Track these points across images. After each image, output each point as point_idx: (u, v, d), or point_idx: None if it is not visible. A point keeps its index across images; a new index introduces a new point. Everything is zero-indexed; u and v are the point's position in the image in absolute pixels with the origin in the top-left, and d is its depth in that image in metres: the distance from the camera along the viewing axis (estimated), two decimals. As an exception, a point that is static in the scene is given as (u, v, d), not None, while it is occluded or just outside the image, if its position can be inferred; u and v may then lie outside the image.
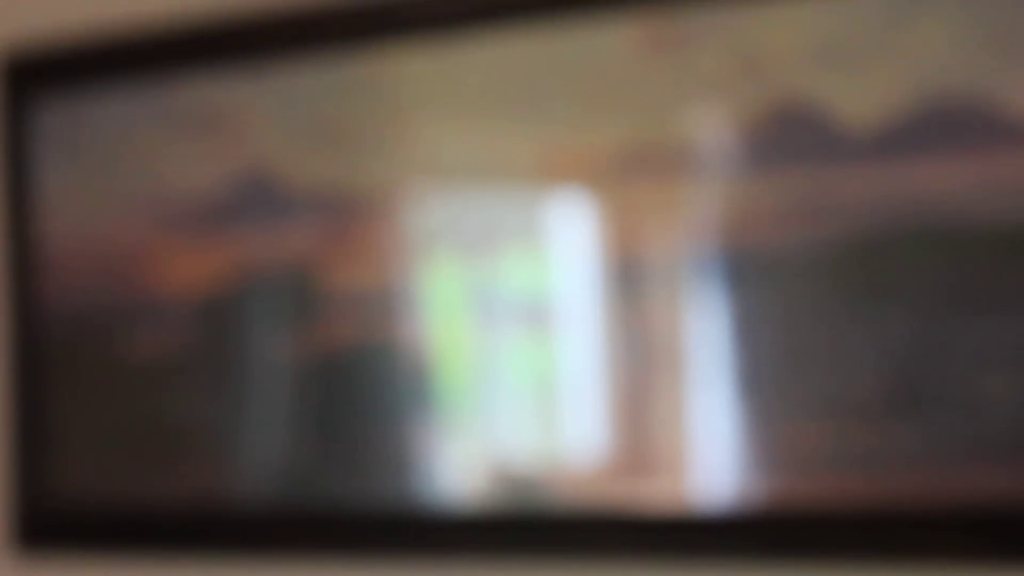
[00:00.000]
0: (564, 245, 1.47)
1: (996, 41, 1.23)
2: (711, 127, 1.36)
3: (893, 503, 1.26)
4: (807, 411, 1.30)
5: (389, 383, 1.52)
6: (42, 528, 1.73)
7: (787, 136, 1.31)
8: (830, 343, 1.29)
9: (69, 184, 1.75)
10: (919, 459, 1.25)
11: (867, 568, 1.26)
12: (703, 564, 1.34)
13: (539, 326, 1.48)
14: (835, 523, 1.29)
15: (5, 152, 1.76)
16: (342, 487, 1.55)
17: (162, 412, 1.65)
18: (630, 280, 1.41)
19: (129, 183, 1.70)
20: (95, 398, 1.71)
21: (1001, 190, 1.22)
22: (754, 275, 1.33)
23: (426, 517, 1.50)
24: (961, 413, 1.23)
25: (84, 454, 1.73)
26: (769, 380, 1.32)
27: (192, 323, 1.65)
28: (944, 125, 1.25)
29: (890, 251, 1.26)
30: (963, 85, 1.24)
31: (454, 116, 1.52)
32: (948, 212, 1.23)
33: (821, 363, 1.29)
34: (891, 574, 1.25)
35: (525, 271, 1.49)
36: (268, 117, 1.60)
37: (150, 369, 1.67)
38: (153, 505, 1.65)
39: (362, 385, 1.55)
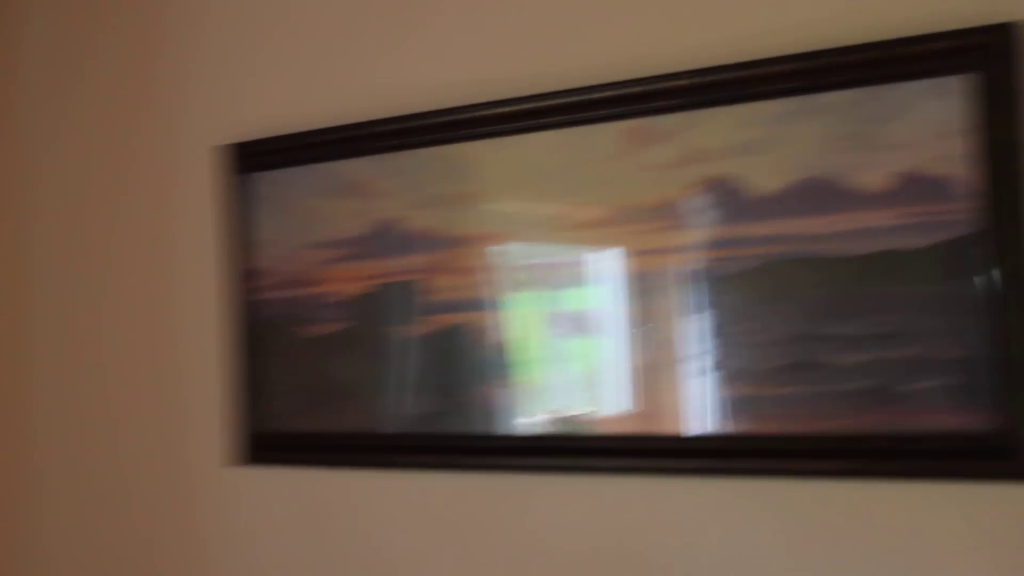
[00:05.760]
0: (595, 271, 1.70)
1: (845, 141, 1.53)
2: (674, 195, 1.64)
3: (788, 432, 1.58)
4: (741, 376, 1.61)
5: (474, 354, 1.80)
6: (258, 448, 2.03)
7: (718, 200, 1.62)
8: (751, 331, 1.59)
9: (274, 229, 2.02)
10: (801, 405, 1.57)
11: (772, 470, 1.59)
12: (687, 470, 1.65)
13: (582, 324, 1.71)
14: (758, 443, 1.61)
15: (235, 208, 2.05)
16: (448, 420, 1.81)
17: (330, 371, 1.94)
18: (641, 293, 1.68)
19: (309, 228, 1.97)
20: (289, 361, 1.99)
21: (847, 235, 1.53)
22: (708, 287, 1.62)
23: (505, 439, 1.79)
24: (826, 377, 1.54)
25: (283, 399, 1.99)
26: (723, 356, 1.62)
27: (347, 314, 1.92)
28: (813, 193, 1.55)
29: (783, 271, 1.56)
30: (825, 168, 1.54)
31: (512, 187, 1.79)
32: (816, 248, 1.55)
33: (747, 344, 1.59)
34: (784, 478, 1.59)
35: (572, 290, 1.74)
36: (396, 187, 1.87)
37: (322, 342, 1.95)
38: (326, 431, 1.95)
39: (457, 354, 1.81)
